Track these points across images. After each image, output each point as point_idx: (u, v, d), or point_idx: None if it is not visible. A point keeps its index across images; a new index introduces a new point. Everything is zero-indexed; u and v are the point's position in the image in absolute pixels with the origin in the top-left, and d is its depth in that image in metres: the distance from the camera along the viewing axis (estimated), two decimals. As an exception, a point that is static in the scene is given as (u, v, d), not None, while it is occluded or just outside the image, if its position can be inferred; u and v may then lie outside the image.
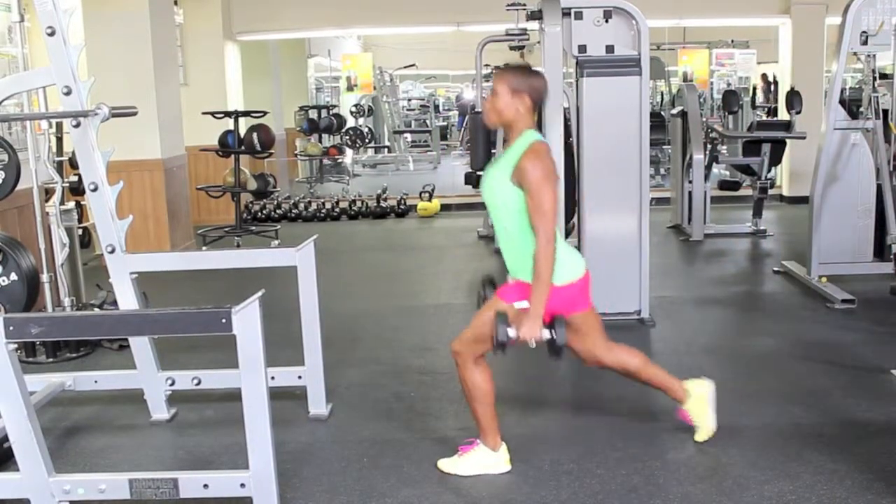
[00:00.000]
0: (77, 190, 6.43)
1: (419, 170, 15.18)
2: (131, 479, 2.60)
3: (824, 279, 5.74)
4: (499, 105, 3.01)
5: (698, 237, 7.77)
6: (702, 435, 3.36)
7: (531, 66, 3.07)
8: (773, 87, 12.20)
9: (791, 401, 3.85)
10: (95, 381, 3.90)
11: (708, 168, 7.96)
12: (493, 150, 7.33)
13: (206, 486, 2.59)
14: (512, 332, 2.91)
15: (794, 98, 7.64)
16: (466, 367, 3.10)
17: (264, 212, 9.77)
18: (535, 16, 5.07)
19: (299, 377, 3.78)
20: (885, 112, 5.67)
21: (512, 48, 7.41)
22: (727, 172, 10.60)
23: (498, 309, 3.00)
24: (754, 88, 13.33)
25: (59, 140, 6.78)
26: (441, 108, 20.23)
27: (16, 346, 2.49)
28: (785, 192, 10.08)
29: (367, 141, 14.60)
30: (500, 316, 2.94)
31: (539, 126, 5.12)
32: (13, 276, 4.25)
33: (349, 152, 14.35)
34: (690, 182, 7.82)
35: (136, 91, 7.03)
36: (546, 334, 2.91)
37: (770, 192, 8.05)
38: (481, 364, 3.13)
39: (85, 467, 3.36)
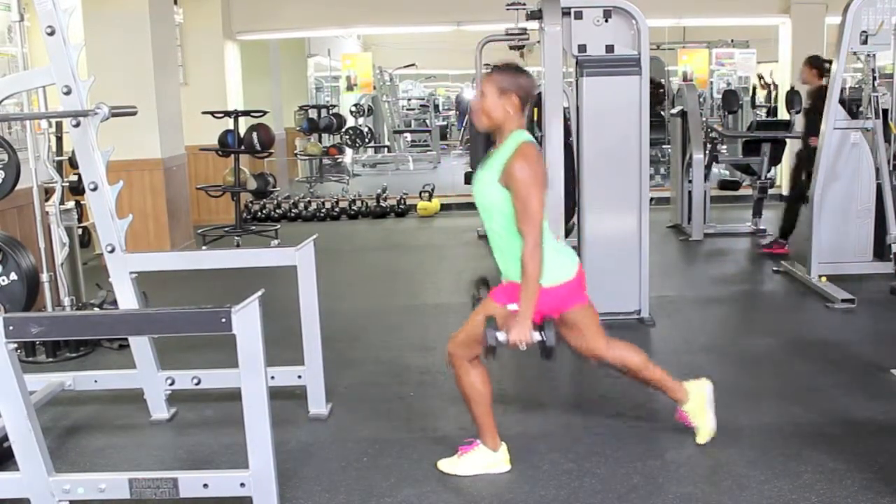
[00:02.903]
0: (77, 189, 6.43)
1: (419, 169, 15.17)
2: (131, 478, 2.60)
3: (824, 279, 5.74)
4: (487, 106, 2.99)
5: (698, 237, 7.77)
6: (703, 436, 3.36)
7: (518, 65, 3.04)
8: (772, 88, 12.20)
9: (791, 400, 3.85)
10: (95, 381, 3.90)
11: (708, 168, 7.96)
12: (492, 150, 7.33)
13: (205, 485, 2.59)
14: (501, 336, 2.90)
15: (793, 98, 7.63)
16: (462, 368, 3.10)
17: (264, 211, 9.78)
18: (535, 15, 5.06)
19: (299, 377, 3.78)
20: (885, 112, 5.67)
21: (512, 48, 7.41)
22: (727, 172, 10.60)
23: (488, 313, 2.99)
24: (754, 88, 13.34)
25: (59, 139, 6.78)
26: (441, 108, 20.22)
27: (16, 345, 2.49)
28: (785, 192, 10.06)
29: (366, 140, 14.61)
30: (490, 320, 2.94)
31: (539, 125, 5.13)
32: (13, 276, 4.25)
33: (349, 152, 14.36)
34: (690, 182, 7.83)
35: (136, 91, 7.03)
36: (536, 337, 2.90)
37: (770, 191, 8.05)
38: (477, 366, 3.13)
39: (85, 467, 3.36)
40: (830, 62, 6.67)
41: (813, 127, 6.67)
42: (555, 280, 3.01)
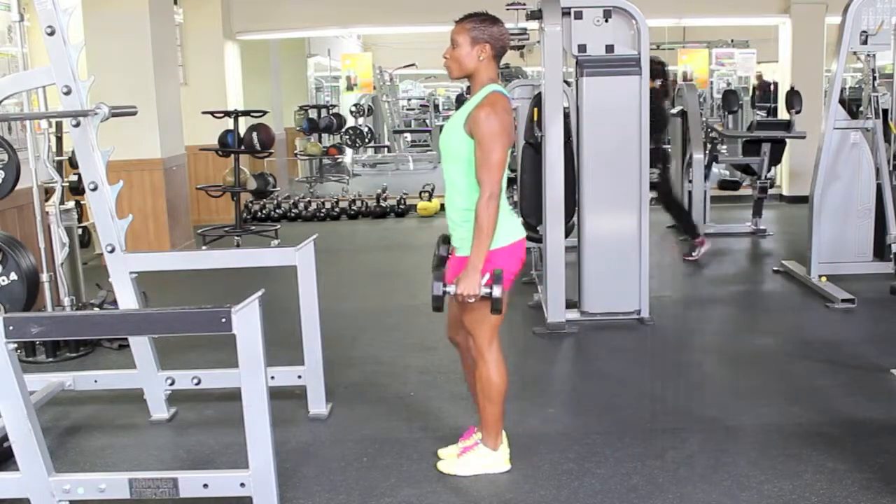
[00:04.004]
0: (77, 189, 6.44)
1: (419, 169, 15.17)
2: (131, 478, 2.60)
3: (824, 279, 5.74)
4: (459, 55, 2.94)
5: (698, 237, 7.76)
6: (444, 464, 3.21)
7: (491, 14, 2.98)
8: (771, 88, 12.23)
9: (791, 400, 3.85)
10: (95, 381, 3.90)
11: (708, 167, 7.96)
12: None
13: (205, 485, 2.59)
14: (450, 288, 2.89)
15: (793, 98, 7.63)
16: (479, 360, 3.05)
17: (264, 211, 9.77)
18: (535, 15, 5.06)
19: (299, 377, 3.78)
20: (885, 112, 5.68)
21: (512, 48, 7.41)
22: (727, 172, 10.60)
23: (436, 267, 2.98)
24: (754, 88, 13.36)
25: (59, 139, 6.78)
26: (441, 108, 20.20)
27: (16, 345, 2.49)
28: (785, 192, 10.08)
29: (366, 140, 14.60)
30: (437, 273, 2.93)
31: (539, 125, 5.13)
32: (13, 276, 4.25)
33: (349, 152, 14.35)
34: (690, 182, 7.83)
35: (136, 91, 7.02)
36: (485, 290, 2.86)
37: (770, 191, 8.05)
38: (498, 357, 3.07)
39: (85, 467, 3.36)
40: (663, 63, 6.78)
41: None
42: (508, 240, 2.97)
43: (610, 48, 5.00)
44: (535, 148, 5.36)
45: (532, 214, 5.48)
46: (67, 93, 3.46)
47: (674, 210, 7.07)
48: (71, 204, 5.25)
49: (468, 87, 3.16)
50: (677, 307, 5.55)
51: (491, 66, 2.95)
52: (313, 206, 9.98)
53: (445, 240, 3.12)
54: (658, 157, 6.76)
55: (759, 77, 13.37)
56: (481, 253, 2.86)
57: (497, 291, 2.86)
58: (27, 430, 2.50)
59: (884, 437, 3.43)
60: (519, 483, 3.10)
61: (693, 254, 6.94)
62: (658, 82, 6.68)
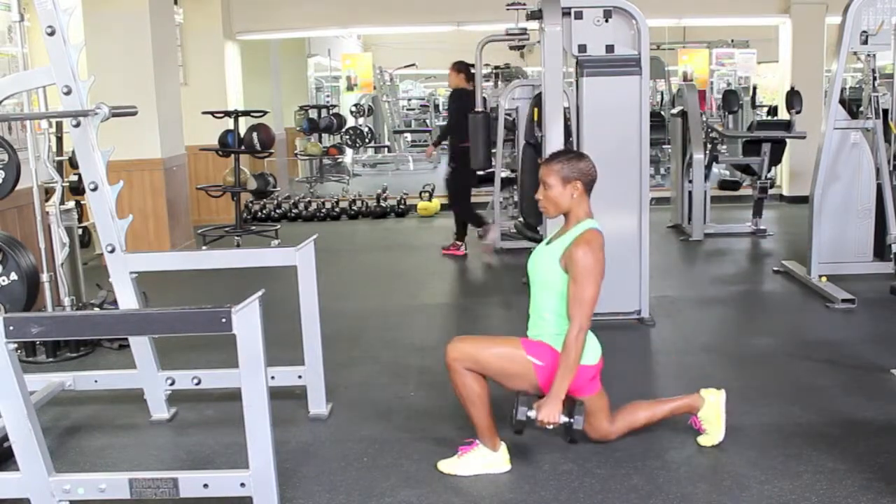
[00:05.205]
0: (77, 189, 6.44)
1: (419, 169, 15.17)
2: (131, 478, 2.60)
3: (824, 279, 5.74)
4: (554, 196, 3.12)
5: (698, 237, 7.77)
6: (708, 440, 3.36)
7: (576, 150, 3.16)
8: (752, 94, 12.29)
9: (791, 400, 3.85)
10: (95, 381, 3.90)
11: (708, 168, 7.96)
12: (492, 150, 7.34)
13: (206, 485, 2.59)
14: (532, 414, 2.98)
15: (794, 98, 7.63)
16: (458, 372, 3.10)
17: (264, 211, 9.78)
18: (535, 15, 5.06)
19: (299, 377, 3.78)
20: (885, 112, 5.68)
21: (512, 48, 7.42)
22: (727, 172, 10.60)
23: (521, 390, 3.08)
24: (754, 88, 13.38)
25: (59, 139, 6.79)
26: (441, 108, 20.20)
27: (16, 345, 2.49)
28: (785, 192, 10.09)
29: (367, 140, 14.61)
30: (522, 397, 3.02)
31: (539, 125, 5.13)
32: (13, 276, 4.25)
33: (349, 152, 14.36)
34: (690, 182, 7.83)
35: (136, 91, 7.03)
36: (564, 419, 2.98)
37: (770, 191, 8.06)
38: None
39: (85, 467, 3.36)
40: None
41: (461, 130, 6.99)
42: (584, 360, 3.09)
43: (610, 48, 5.00)
44: (535, 148, 5.36)
45: (532, 214, 5.47)
46: (67, 93, 3.46)
47: (461, 208, 7.47)
48: (71, 204, 5.25)
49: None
50: (677, 307, 5.55)
51: (584, 200, 3.15)
52: (313, 206, 9.99)
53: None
54: (456, 156, 7.19)
55: (728, 85, 13.55)
56: (565, 383, 2.99)
57: (578, 423, 2.99)
58: (27, 430, 2.50)
59: (884, 437, 3.43)
60: (519, 483, 3.10)
61: (486, 239, 7.55)
62: (471, 84, 7.09)
